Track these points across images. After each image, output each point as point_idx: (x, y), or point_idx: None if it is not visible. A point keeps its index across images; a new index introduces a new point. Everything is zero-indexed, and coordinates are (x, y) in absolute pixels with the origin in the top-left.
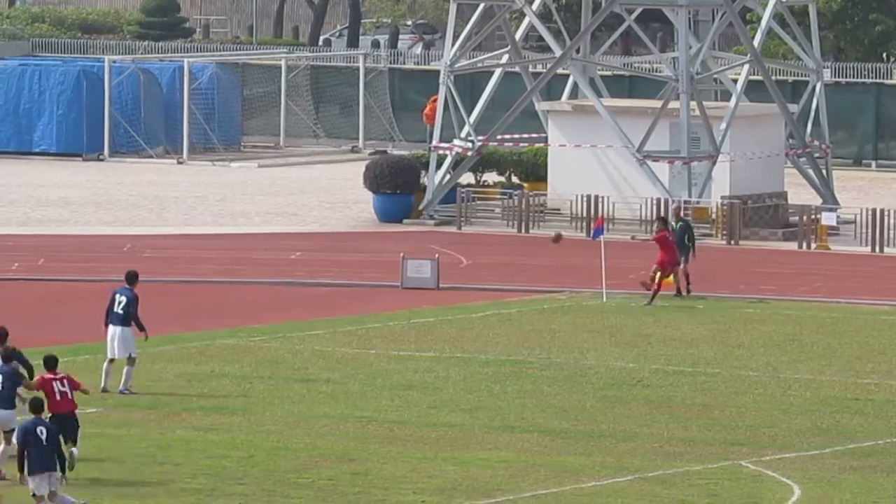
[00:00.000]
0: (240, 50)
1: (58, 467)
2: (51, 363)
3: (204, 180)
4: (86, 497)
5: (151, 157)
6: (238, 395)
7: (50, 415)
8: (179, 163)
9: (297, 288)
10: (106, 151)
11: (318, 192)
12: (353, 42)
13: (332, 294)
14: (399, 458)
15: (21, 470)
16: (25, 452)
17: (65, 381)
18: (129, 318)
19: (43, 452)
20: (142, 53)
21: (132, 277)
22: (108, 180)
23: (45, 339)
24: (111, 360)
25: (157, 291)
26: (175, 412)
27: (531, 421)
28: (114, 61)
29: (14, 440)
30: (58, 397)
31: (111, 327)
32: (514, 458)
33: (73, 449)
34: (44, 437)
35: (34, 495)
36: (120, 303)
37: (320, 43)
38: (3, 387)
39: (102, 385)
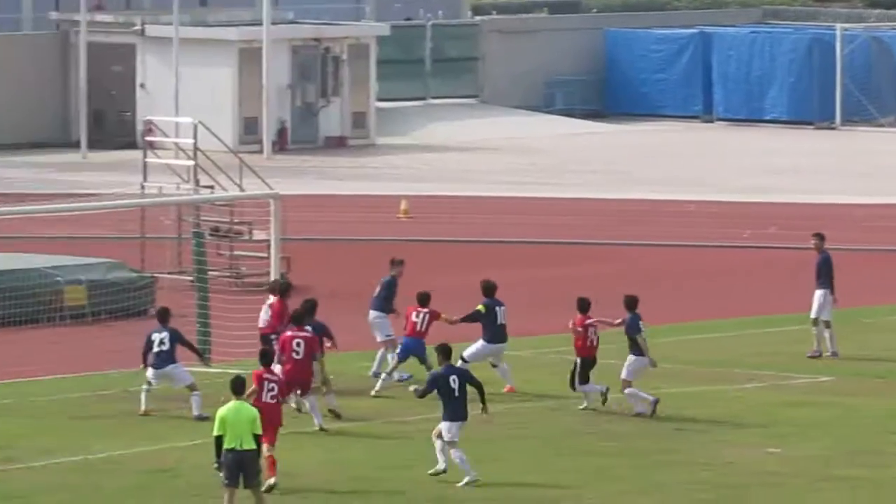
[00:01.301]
0: None
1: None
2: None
3: None
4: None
5: (882, 125)
6: None
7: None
8: None
9: None
10: (837, 120)
11: None
12: None
13: None
14: None
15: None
16: (442, 400)
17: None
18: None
19: (456, 403)
20: (874, 21)
21: None
22: (839, 149)
23: (752, 308)
24: (815, 321)
25: None
26: None
27: None
28: (845, 29)
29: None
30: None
31: (822, 292)
32: None
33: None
34: (456, 386)
35: (448, 441)
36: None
37: None
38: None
39: (831, 350)
